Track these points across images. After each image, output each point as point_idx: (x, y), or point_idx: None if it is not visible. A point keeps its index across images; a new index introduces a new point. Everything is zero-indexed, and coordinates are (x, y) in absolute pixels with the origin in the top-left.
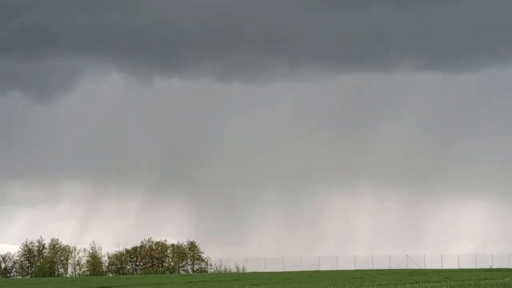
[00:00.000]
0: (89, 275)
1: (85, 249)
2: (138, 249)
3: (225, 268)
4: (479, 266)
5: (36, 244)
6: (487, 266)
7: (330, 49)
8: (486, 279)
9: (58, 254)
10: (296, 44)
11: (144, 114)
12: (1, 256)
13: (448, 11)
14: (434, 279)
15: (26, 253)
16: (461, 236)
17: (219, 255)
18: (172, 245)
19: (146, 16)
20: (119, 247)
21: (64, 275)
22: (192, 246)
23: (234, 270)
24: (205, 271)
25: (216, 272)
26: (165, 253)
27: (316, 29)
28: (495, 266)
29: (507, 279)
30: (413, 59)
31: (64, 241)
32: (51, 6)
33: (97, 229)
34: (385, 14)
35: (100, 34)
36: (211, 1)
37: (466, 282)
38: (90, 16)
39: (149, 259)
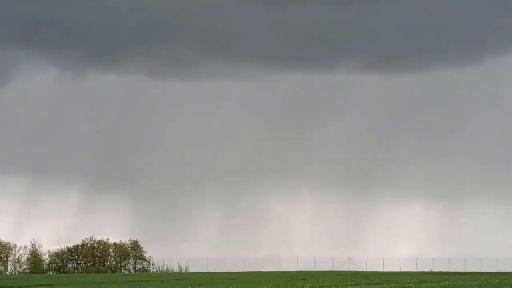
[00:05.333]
0: (30, 273)
1: (25, 247)
2: (80, 247)
3: (168, 267)
4: (419, 269)
5: None
6: (427, 269)
7: (270, 47)
8: (427, 282)
9: None
10: (236, 42)
11: (81, 110)
12: None
13: (388, 11)
14: (376, 282)
15: None
16: (402, 239)
17: (162, 254)
18: (115, 244)
19: (83, 8)
20: (60, 245)
21: (3, 273)
22: (135, 245)
23: (176, 270)
24: (148, 271)
25: (158, 271)
26: (107, 252)
27: (257, 26)
28: (435, 269)
29: (447, 282)
30: (353, 59)
31: (4, 238)
32: None
33: (37, 226)
34: (326, 13)
35: (36, 26)
36: None
37: (407, 285)
38: (25, 8)
39: (90, 258)
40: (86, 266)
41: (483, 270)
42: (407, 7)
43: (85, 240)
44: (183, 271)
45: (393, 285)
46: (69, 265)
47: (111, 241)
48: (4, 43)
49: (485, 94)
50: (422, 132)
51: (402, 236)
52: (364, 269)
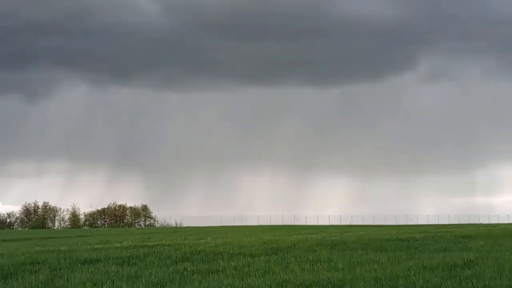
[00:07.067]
0: (70, 228)
1: (67, 209)
2: (106, 209)
3: (168, 223)
4: (343, 223)
5: (33, 205)
6: (348, 223)
7: (239, 69)
8: (348, 232)
9: (48, 212)
10: (214, 64)
11: (107, 113)
12: (7, 213)
13: (323, 43)
14: (312, 232)
15: (25, 211)
16: (331, 202)
17: (164, 214)
18: (130, 207)
19: (101, 39)
20: (92, 208)
21: (52, 228)
22: (145, 208)
23: (174, 225)
24: (153, 226)
25: (161, 226)
26: (125, 213)
27: (229, 53)
28: (353, 223)
29: (361, 232)
30: (298, 78)
31: (52, 202)
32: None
33: (76, 195)
34: (277, 44)
35: (70, 54)
36: (150, 29)
37: (334, 233)
38: (63, 40)
39: (113, 217)
40: (110, 223)
41: (386, 224)
42: (337, 42)
43: (109, 204)
44: (179, 226)
45: (325, 234)
46: (98, 222)
47: (128, 205)
48: (49, 67)
49: (388, 104)
50: (343, 128)
51: (331, 200)
52: (304, 223)
